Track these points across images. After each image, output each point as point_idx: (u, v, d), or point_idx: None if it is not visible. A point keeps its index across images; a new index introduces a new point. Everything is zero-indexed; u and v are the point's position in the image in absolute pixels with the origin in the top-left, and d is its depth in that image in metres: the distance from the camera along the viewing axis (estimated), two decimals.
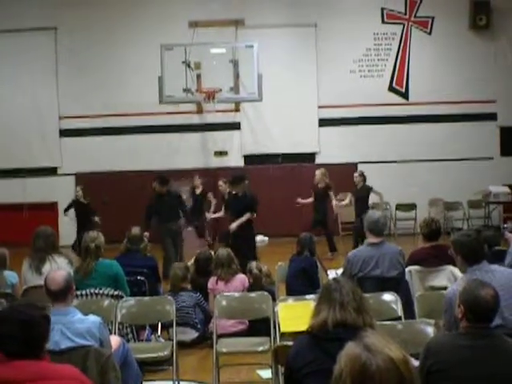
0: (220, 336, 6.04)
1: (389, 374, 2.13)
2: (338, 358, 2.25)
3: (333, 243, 13.10)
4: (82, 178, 16.37)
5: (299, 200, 13.34)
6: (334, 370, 2.22)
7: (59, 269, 5.47)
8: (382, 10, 16.62)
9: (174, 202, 11.55)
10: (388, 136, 16.44)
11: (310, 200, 13.16)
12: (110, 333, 5.12)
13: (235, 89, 13.90)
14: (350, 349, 2.22)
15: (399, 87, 16.68)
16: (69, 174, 16.54)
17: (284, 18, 16.44)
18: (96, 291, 6.09)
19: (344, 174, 14.09)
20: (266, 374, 5.89)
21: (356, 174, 13.11)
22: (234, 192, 10.74)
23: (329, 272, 8.96)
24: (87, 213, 13.77)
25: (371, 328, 3.21)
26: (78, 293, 5.89)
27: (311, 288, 6.88)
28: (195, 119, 16.66)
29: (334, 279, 3.61)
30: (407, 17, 16.63)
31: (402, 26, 16.65)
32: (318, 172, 13.10)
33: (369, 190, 13.02)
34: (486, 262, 4.85)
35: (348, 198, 13.29)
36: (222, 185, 12.70)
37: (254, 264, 7.77)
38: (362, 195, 12.88)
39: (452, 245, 5.09)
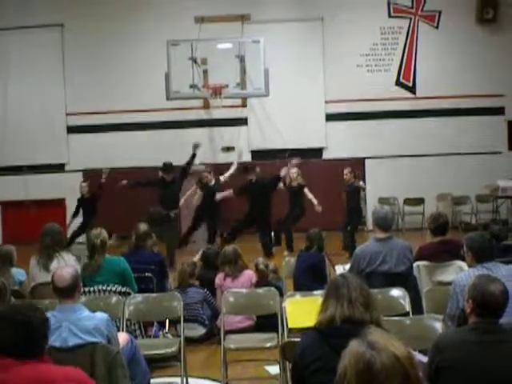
0: (227, 332, 6.04)
1: (394, 370, 2.12)
2: (341, 355, 2.24)
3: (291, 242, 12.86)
4: (89, 175, 16.39)
5: None
6: (338, 368, 2.21)
7: (67, 266, 5.48)
8: (389, 3, 16.52)
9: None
10: (395, 130, 16.36)
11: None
12: (118, 329, 5.14)
13: (242, 84, 13.81)
14: (354, 347, 2.21)
15: (406, 81, 16.60)
16: (76, 171, 16.54)
17: (290, 12, 16.39)
18: (104, 288, 6.10)
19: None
20: (274, 369, 5.90)
21: (346, 171, 12.78)
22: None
23: (336, 267, 8.95)
24: (93, 206, 13.37)
25: (378, 324, 3.20)
26: (86, 289, 5.91)
27: (319, 284, 6.88)
28: (202, 115, 16.63)
29: (341, 275, 3.59)
30: (414, 11, 16.54)
31: (408, 20, 16.55)
32: (293, 171, 13.03)
33: (359, 188, 12.91)
34: (495, 262, 4.94)
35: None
36: (208, 176, 12.91)
37: (260, 260, 7.76)
38: (352, 193, 12.74)
39: (464, 241, 5.17)
